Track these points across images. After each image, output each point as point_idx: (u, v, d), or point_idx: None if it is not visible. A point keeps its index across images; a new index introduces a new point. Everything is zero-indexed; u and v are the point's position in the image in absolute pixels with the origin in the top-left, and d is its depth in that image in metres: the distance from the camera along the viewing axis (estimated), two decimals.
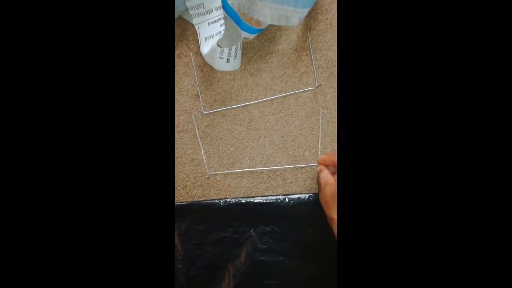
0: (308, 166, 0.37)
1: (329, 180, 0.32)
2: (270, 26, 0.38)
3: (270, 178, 0.38)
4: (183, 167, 0.38)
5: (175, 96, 0.38)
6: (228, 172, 0.38)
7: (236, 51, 0.35)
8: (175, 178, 0.38)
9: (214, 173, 0.38)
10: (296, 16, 0.35)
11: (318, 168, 0.34)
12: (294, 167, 0.37)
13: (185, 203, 0.38)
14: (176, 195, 0.38)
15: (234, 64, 0.36)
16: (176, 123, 0.38)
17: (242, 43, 0.37)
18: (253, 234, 0.37)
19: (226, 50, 0.34)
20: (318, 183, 0.33)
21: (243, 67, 0.38)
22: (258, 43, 0.38)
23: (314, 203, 0.36)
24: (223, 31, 0.35)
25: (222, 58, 0.35)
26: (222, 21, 0.35)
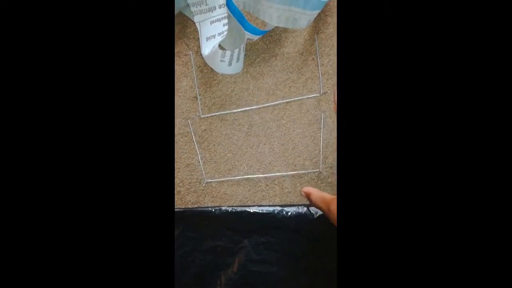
0: (309, 172, 0.36)
1: (326, 198, 0.29)
2: (276, 27, 0.35)
3: (267, 187, 0.36)
4: (178, 172, 0.37)
5: None
6: (224, 180, 0.37)
7: (238, 54, 0.33)
8: None
9: (210, 180, 0.37)
10: (304, 18, 0.33)
11: (304, 193, 0.31)
12: (292, 173, 0.36)
13: (178, 209, 0.37)
14: None
15: (236, 67, 0.34)
16: None
17: (246, 44, 0.35)
18: (247, 244, 0.36)
19: (228, 53, 0.32)
20: (317, 206, 0.30)
21: (245, 70, 0.36)
22: (262, 44, 0.36)
23: (312, 216, 0.35)
24: (226, 32, 0.32)
25: (224, 61, 0.33)
26: (226, 21, 0.33)
